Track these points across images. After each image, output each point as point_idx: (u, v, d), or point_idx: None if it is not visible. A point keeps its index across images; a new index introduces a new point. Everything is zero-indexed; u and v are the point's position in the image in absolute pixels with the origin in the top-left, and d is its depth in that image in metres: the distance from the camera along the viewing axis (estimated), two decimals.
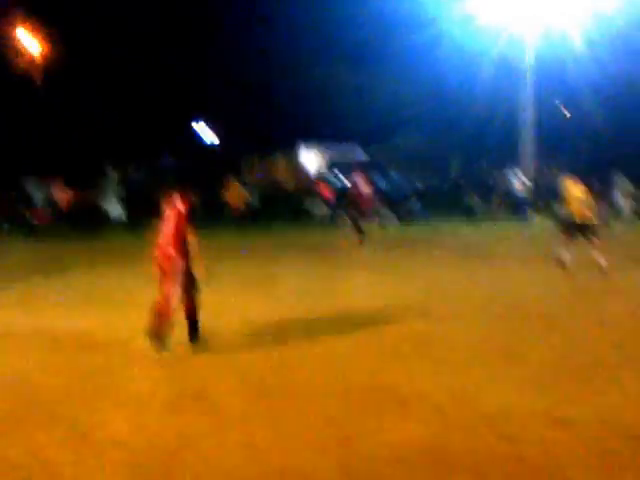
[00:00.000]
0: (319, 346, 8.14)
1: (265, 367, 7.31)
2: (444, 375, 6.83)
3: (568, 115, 39.83)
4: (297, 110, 37.90)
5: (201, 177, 29.89)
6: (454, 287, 12.15)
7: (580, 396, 6.01)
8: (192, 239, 7.91)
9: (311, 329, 9.00)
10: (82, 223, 24.50)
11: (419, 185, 33.16)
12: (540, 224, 28.04)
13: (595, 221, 13.89)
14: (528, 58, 31.14)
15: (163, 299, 7.87)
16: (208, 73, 36.60)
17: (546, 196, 30.04)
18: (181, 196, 8.06)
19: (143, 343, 7.85)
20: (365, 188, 22.62)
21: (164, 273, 7.92)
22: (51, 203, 26.49)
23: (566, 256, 13.78)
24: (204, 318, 8.21)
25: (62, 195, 26.50)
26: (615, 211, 27.96)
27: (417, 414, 5.72)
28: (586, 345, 7.94)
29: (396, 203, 30.03)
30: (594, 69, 32.06)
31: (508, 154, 31.46)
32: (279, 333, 8.83)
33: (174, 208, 7.98)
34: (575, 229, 13.85)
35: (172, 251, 7.87)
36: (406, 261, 16.09)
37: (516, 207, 29.17)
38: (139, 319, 8.18)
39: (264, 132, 39.13)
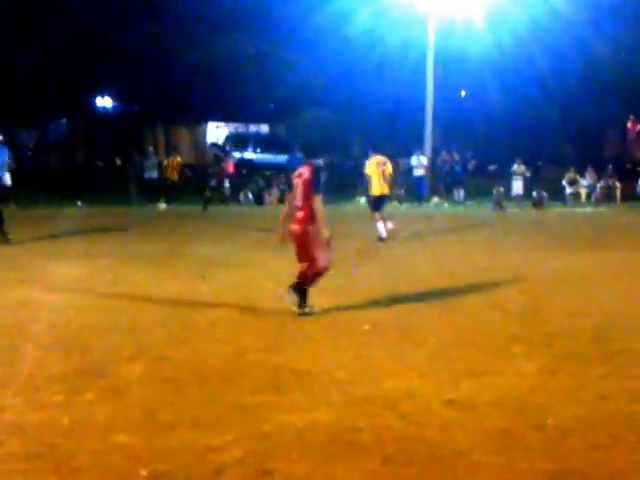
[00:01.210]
0: (219, 326, 8.09)
1: (164, 345, 7.22)
2: (344, 354, 6.86)
3: (463, 94, 40.59)
4: (204, 88, 37.33)
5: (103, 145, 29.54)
6: (354, 267, 12.27)
7: (477, 377, 6.13)
8: (317, 205, 8.31)
9: (210, 307, 8.96)
10: None
11: (320, 161, 33.33)
12: (439, 206, 28.68)
13: (390, 193, 16.37)
14: (429, 41, 31.48)
15: (310, 264, 8.31)
16: (109, 45, 35.43)
17: (445, 179, 30.71)
18: (307, 165, 8.53)
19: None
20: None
21: (298, 240, 8.38)
22: None
23: (384, 228, 15.56)
24: None
25: None
26: (510, 193, 28.91)
27: (319, 393, 5.72)
28: (482, 325, 8.12)
29: None
30: (496, 54, 32.73)
31: (415, 138, 31.86)
32: (177, 313, 8.74)
33: (301, 176, 8.40)
34: (379, 202, 15.95)
35: (304, 217, 8.30)
36: None
37: (416, 190, 29.67)
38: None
39: (169, 105, 38.38)
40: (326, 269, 8.44)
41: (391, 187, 16.50)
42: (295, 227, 8.38)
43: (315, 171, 8.44)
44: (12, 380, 5.99)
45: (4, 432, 4.92)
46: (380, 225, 15.73)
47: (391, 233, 15.65)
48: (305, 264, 8.35)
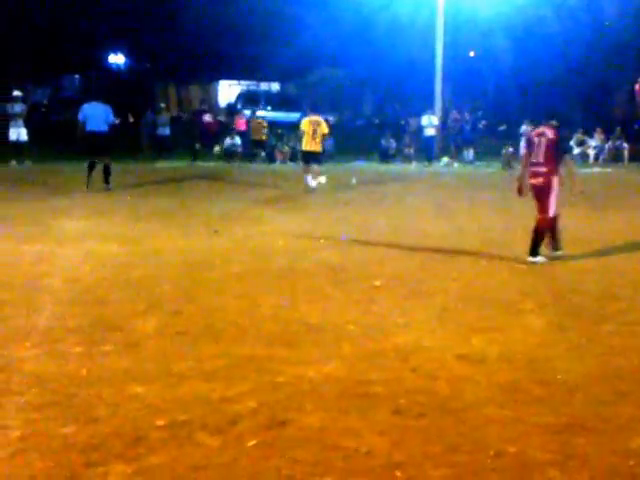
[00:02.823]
0: (232, 281, 8.18)
1: (179, 299, 7.31)
2: (356, 309, 6.96)
3: (472, 54, 40.25)
4: (215, 45, 37.10)
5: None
6: (366, 223, 12.35)
7: (487, 332, 6.21)
8: (569, 163, 9.75)
9: (223, 262, 9.04)
10: None
11: (331, 118, 33.24)
12: (449, 165, 28.60)
13: (319, 151, 17.66)
14: (439, 0, 31.11)
15: (543, 214, 9.20)
16: (121, 2, 35.17)
17: (455, 139, 30.58)
18: (550, 127, 9.36)
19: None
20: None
21: (538, 191, 9.25)
22: None
23: (311, 181, 17.29)
24: None
25: None
26: (518, 152, 28.76)
27: (331, 347, 5.81)
28: (491, 282, 8.22)
29: None
30: (506, 14, 32.37)
31: (425, 97, 31.64)
32: (191, 268, 8.83)
33: (543, 136, 9.26)
34: (305, 157, 17.77)
35: (545, 172, 9.15)
36: (321, 200, 16.23)
37: (426, 150, 29.56)
38: None
39: (181, 63, 38.22)
40: (552, 219, 9.25)
41: (321, 145, 17.79)
42: (538, 181, 9.23)
43: (560, 133, 9.52)
44: (31, 332, 6.09)
45: (24, 382, 5.02)
46: (308, 177, 17.35)
47: (320, 185, 17.57)
48: (539, 215, 9.22)
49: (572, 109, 37.19)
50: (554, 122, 9.52)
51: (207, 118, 29.85)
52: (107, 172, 16.69)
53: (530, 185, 9.37)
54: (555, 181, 9.18)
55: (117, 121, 17.51)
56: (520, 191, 9.57)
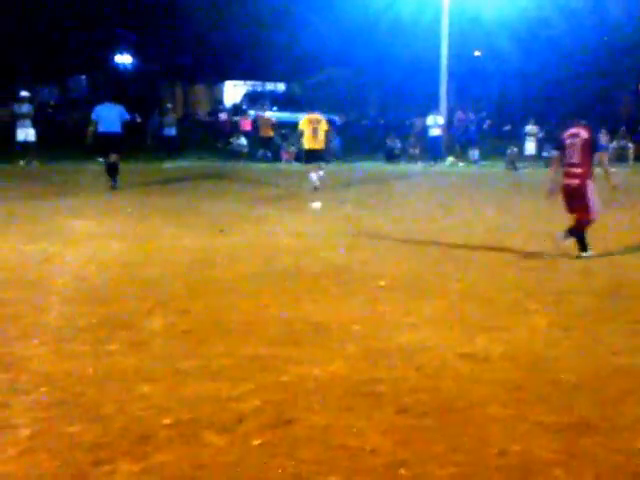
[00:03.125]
0: (238, 281, 8.20)
1: (185, 298, 7.35)
2: (361, 309, 6.98)
3: (477, 54, 40.21)
4: (221, 46, 37.17)
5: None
6: (371, 223, 12.37)
7: (491, 332, 6.23)
8: (604, 160, 10.42)
9: (229, 261, 9.07)
10: None
11: (337, 119, 33.25)
12: (454, 165, 28.61)
13: (322, 148, 17.67)
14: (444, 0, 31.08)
15: (582, 213, 9.35)
16: (127, 2, 35.28)
17: (460, 139, 30.56)
18: (583, 127, 9.55)
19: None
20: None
21: (572, 192, 9.39)
22: None
23: (314, 178, 17.09)
24: None
25: None
26: (523, 153, 28.84)
27: (336, 346, 5.83)
28: (496, 282, 8.24)
29: None
30: (511, 14, 32.32)
31: (430, 97, 31.63)
32: (197, 267, 8.86)
33: (577, 137, 9.42)
34: (309, 156, 17.77)
35: (580, 172, 9.32)
36: (326, 200, 16.23)
37: (431, 149, 29.56)
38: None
39: (187, 64, 38.30)
40: (594, 220, 9.43)
41: (324, 143, 17.70)
42: (573, 182, 9.38)
43: (593, 133, 9.70)
44: (38, 331, 6.13)
45: (31, 381, 5.05)
46: (312, 176, 17.15)
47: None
48: (578, 214, 9.37)
49: (577, 109, 37.13)
50: (584, 122, 9.67)
51: (223, 117, 30.43)
52: (115, 171, 16.85)
53: (563, 186, 9.49)
54: (589, 182, 9.34)
55: (130, 117, 17.55)
56: (551, 194, 9.74)
